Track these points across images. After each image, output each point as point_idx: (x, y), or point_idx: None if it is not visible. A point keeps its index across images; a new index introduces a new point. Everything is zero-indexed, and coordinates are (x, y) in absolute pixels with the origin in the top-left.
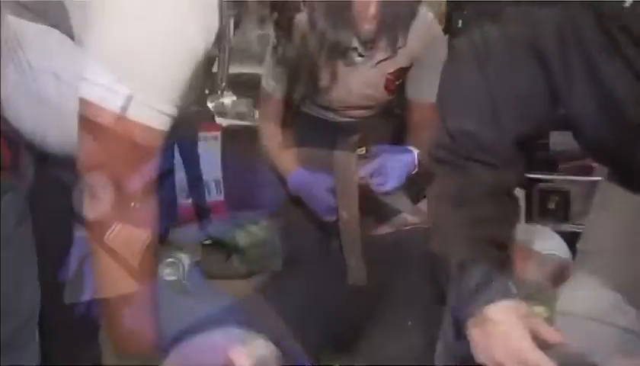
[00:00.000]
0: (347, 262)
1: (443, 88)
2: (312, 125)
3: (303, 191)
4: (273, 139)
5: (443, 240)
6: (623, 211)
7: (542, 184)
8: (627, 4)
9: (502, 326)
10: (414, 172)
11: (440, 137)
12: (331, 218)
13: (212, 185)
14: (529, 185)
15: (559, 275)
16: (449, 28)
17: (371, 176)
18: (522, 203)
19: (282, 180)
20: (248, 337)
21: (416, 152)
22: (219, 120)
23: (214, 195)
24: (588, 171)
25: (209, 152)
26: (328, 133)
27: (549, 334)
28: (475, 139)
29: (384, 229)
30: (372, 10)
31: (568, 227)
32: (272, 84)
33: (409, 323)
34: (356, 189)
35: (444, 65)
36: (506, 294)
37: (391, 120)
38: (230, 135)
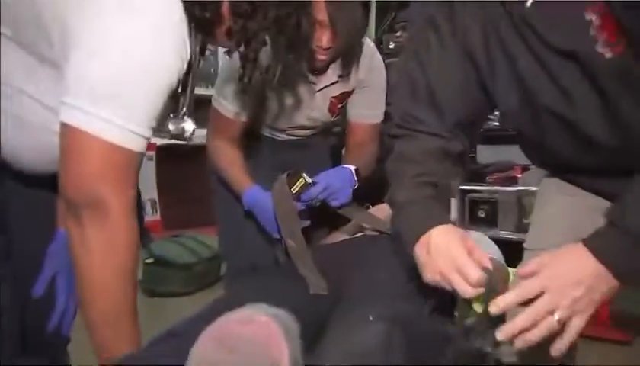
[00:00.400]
0: (303, 274)
1: (397, 82)
2: (265, 145)
3: (255, 208)
4: (227, 157)
5: (395, 188)
6: (565, 208)
7: (472, 195)
8: (528, 4)
9: (443, 244)
10: (355, 187)
11: (395, 119)
12: (278, 237)
13: (148, 205)
14: (460, 196)
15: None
16: (381, 50)
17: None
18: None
19: (236, 196)
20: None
21: (353, 168)
22: (153, 139)
23: (150, 215)
24: (513, 182)
25: (144, 171)
26: (274, 150)
27: (480, 257)
28: (420, 121)
29: (337, 237)
30: (325, 42)
31: (496, 233)
32: (232, 108)
33: (370, 318)
34: (297, 217)
35: (396, 64)
36: (444, 221)
37: (330, 137)
38: (164, 154)
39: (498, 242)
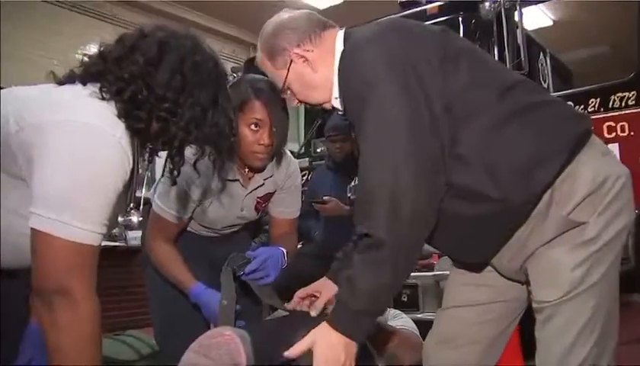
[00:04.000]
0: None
1: None
2: (191, 241)
3: (201, 302)
4: (168, 257)
5: None
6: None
7: None
8: None
9: None
10: (284, 266)
11: None
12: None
13: None
14: None
15: (408, 343)
16: (309, 153)
17: (254, 273)
18: None
19: (179, 290)
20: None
21: (284, 250)
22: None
23: None
24: (431, 268)
25: None
26: (201, 246)
27: None
28: None
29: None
30: (267, 139)
31: (419, 315)
32: (172, 212)
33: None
34: (232, 286)
35: None
36: None
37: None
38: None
39: (420, 322)
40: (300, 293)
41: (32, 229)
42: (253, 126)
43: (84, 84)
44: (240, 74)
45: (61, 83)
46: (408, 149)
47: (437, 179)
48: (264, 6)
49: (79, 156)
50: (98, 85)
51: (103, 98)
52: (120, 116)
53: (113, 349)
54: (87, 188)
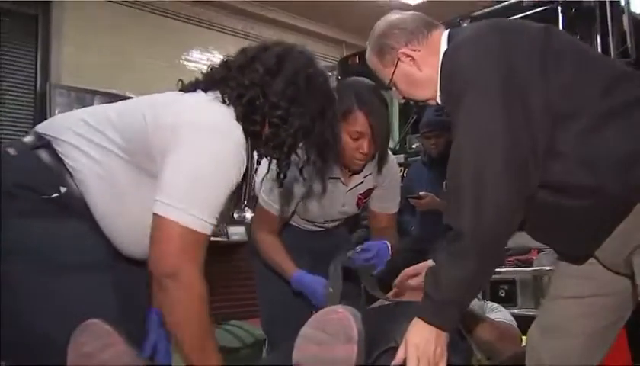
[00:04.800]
0: None
1: None
2: (295, 234)
3: (303, 286)
4: (272, 247)
5: None
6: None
7: (492, 276)
8: None
9: None
10: (388, 259)
11: None
12: (321, 305)
13: None
14: None
15: (507, 335)
16: (404, 149)
17: (367, 261)
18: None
19: (283, 278)
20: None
21: (389, 244)
22: None
23: None
24: (529, 263)
25: None
26: (307, 239)
27: None
28: None
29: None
30: (367, 149)
31: (516, 311)
32: (277, 206)
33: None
34: (340, 276)
35: None
36: None
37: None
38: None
39: (517, 317)
40: (409, 271)
41: (154, 214)
42: (354, 135)
43: (205, 91)
44: (334, 73)
45: (186, 91)
46: (497, 149)
47: (526, 179)
48: (356, 4)
49: (202, 153)
50: (218, 93)
51: (224, 102)
52: (238, 119)
53: (217, 336)
54: (206, 182)
